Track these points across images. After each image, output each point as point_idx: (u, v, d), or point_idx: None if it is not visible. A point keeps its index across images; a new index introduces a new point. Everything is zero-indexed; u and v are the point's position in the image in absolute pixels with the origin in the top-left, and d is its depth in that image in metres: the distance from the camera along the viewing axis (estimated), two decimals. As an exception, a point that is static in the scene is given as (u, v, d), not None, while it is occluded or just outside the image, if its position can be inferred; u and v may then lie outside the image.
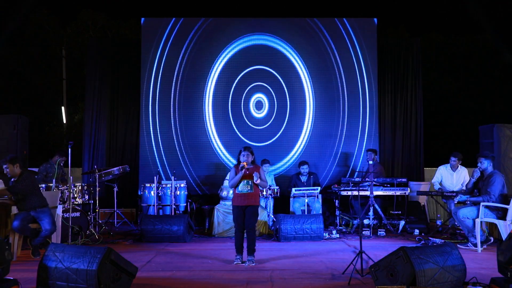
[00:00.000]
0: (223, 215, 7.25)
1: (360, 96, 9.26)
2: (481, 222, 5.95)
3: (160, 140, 9.12)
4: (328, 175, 9.10)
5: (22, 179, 5.60)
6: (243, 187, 5.22)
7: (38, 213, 5.66)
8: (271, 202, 7.87)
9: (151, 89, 9.19)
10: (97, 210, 7.62)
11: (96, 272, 3.64)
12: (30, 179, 5.67)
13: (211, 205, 7.92)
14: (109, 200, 8.59)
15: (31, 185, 5.67)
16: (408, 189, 7.62)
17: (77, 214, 6.61)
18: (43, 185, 6.78)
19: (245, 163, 5.20)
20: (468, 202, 6.28)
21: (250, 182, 5.23)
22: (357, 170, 8.93)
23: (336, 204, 7.88)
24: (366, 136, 9.18)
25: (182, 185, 8.02)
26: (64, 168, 7.62)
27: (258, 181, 5.22)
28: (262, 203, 7.72)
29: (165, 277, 4.56)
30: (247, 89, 9.23)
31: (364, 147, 8.97)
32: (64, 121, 16.77)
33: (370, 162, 7.51)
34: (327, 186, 8.53)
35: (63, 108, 16.77)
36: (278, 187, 7.83)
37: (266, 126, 9.20)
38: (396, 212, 7.53)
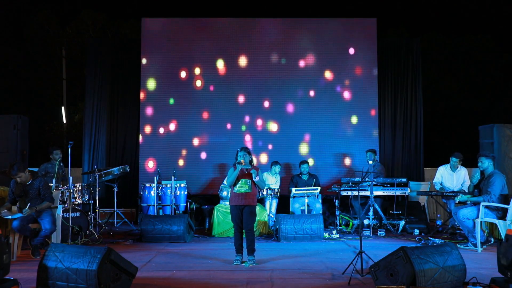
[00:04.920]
0: (223, 215, 7.25)
1: (360, 96, 9.25)
2: (481, 222, 5.95)
3: (160, 140, 9.12)
4: (328, 175, 9.09)
5: (39, 179, 5.76)
6: (241, 187, 5.20)
7: (39, 212, 5.67)
8: (275, 202, 7.86)
9: (151, 89, 9.19)
10: (97, 210, 7.62)
11: (96, 272, 3.64)
12: (42, 177, 5.89)
13: (211, 205, 7.93)
14: (109, 200, 8.59)
15: (47, 183, 5.92)
16: (408, 189, 7.61)
17: (77, 214, 6.61)
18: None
19: (242, 161, 5.19)
20: (469, 202, 6.27)
21: (248, 182, 5.20)
22: (357, 170, 8.91)
23: (336, 204, 7.88)
24: (366, 136, 9.17)
25: (182, 185, 8.02)
26: (64, 167, 7.63)
27: (257, 178, 5.19)
28: (267, 204, 7.72)
29: (165, 277, 4.56)
30: (248, 89, 9.22)
31: (364, 147, 8.94)
32: (64, 121, 16.78)
33: (370, 162, 7.51)
34: (327, 186, 8.53)
35: (63, 108, 16.79)
36: (279, 188, 7.83)
37: (266, 126, 9.20)
38: (396, 212, 7.53)
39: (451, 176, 7.43)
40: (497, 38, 17.16)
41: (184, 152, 9.10)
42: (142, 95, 9.18)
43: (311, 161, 8.53)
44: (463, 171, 7.44)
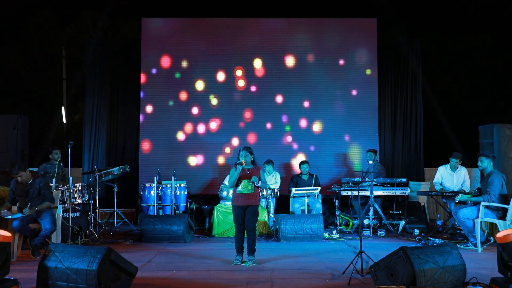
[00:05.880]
0: (223, 215, 7.25)
1: (360, 96, 9.25)
2: (481, 222, 5.95)
3: (160, 140, 9.11)
4: (328, 175, 9.09)
5: (39, 179, 5.76)
6: (243, 187, 5.20)
7: (39, 212, 5.67)
8: (272, 202, 7.86)
9: (151, 89, 9.19)
10: (97, 210, 7.62)
11: (96, 272, 3.64)
12: (42, 177, 5.90)
13: (211, 205, 7.92)
14: (109, 200, 8.59)
15: (48, 183, 5.92)
16: (408, 189, 7.61)
17: (77, 214, 6.61)
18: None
19: (243, 161, 5.20)
20: (469, 202, 6.27)
21: (250, 182, 5.22)
22: (357, 170, 8.92)
23: (336, 204, 7.88)
24: (366, 136, 9.17)
25: (182, 185, 8.02)
26: (64, 168, 7.63)
27: (260, 183, 5.26)
28: (263, 203, 7.72)
29: (165, 277, 4.56)
30: (247, 88, 9.22)
31: (364, 147, 8.94)
32: (64, 121, 16.75)
33: (370, 162, 7.51)
34: (327, 186, 8.52)
35: (63, 108, 16.76)
36: (278, 187, 7.82)
37: (266, 126, 9.19)
38: (396, 212, 7.53)
39: (451, 176, 7.43)
40: (496, 38, 17.13)
41: (185, 151, 9.09)
42: (142, 95, 9.19)
43: (311, 161, 8.45)
44: (463, 171, 7.44)
